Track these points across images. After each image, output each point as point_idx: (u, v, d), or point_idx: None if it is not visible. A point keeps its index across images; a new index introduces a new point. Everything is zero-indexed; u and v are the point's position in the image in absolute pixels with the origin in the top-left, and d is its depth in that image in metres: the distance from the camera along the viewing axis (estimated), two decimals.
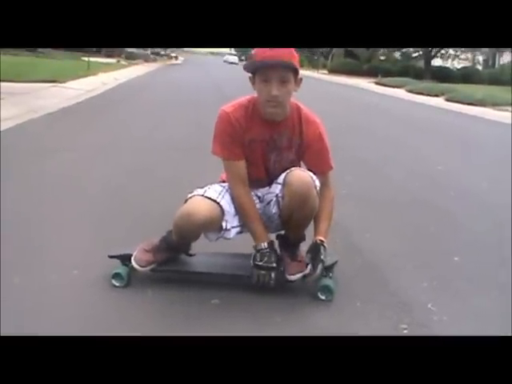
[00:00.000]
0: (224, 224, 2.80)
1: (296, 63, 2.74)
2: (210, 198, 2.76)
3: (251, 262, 2.80)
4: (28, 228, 3.62)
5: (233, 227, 2.86)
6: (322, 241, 2.84)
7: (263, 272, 2.78)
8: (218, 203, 2.77)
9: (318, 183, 2.78)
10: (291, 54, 2.71)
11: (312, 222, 2.90)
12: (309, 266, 2.79)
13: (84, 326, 2.42)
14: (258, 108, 2.82)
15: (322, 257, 2.78)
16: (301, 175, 2.75)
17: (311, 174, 2.79)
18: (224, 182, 2.99)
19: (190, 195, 2.83)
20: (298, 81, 2.77)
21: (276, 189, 2.86)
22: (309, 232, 2.94)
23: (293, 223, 2.86)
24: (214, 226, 2.78)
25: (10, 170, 5.04)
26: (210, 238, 2.87)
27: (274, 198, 2.86)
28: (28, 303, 2.61)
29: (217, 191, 2.85)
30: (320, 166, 2.92)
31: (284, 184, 2.78)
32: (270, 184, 2.93)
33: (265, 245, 2.81)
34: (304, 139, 2.87)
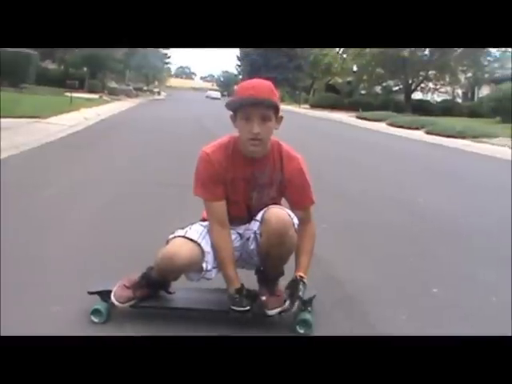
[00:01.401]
0: (204, 265, 2.81)
1: (277, 101, 2.77)
2: (190, 239, 2.78)
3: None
4: (7, 263, 3.59)
5: (214, 267, 2.87)
6: (301, 277, 2.84)
7: (238, 315, 2.78)
8: (199, 244, 2.79)
9: (296, 221, 2.79)
10: (272, 92, 2.74)
11: (292, 257, 2.91)
12: (287, 302, 2.80)
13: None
14: (239, 146, 2.84)
15: (299, 293, 2.78)
16: (278, 213, 2.76)
17: (289, 211, 2.80)
18: (205, 220, 3.00)
19: (171, 236, 2.85)
20: (278, 118, 2.80)
21: (254, 226, 2.88)
22: (288, 266, 2.95)
23: (271, 260, 2.87)
24: (194, 267, 2.80)
25: None
26: (191, 279, 2.89)
27: (252, 235, 2.88)
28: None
29: (198, 231, 2.86)
30: (302, 201, 2.95)
31: (262, 221, 2.80)
32: (250, 221, 2.94)
33: (233, 290, 2.80)
34: (285, 175, 2.88)
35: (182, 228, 2.89)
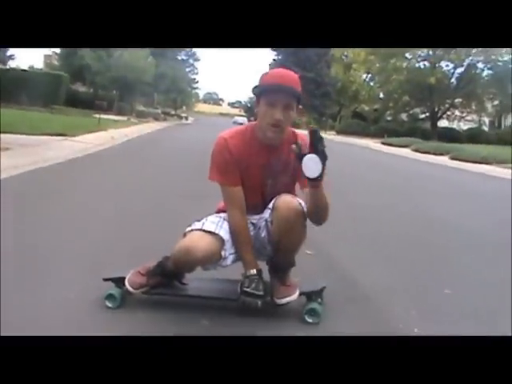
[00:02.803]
0: (223, 253, 2.86)
1: (300, 91, 2.83)
2: (208, 232, 2.82)
3: (239, 288, 2.86)
4: (35, 258, 3.72)
5: (230, 254, 2.91)
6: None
7: (249, 299, 2.81)
8: (217, 234, 2.83)
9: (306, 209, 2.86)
10: (296, 82, 2.82)
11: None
12: (297, 292, 2.90)
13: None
14: (256, 133, 2.90)
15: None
16: (288, 201, 2.80)
17: (300, 200, 2.84)
18: (220, 212, 3.06)
19: (188, 229, 2.89)
20: (298, 109, 2.86)
21: (266, 213, 2.93)
22: (298, 258, 3.03)
23: (281, 248, 2.91)
24: (213, 259, 2.85)
25: (20, 210, 5.21)
26: (207, 269, 2.93)
27: (264, 223, 2.93)
28: (25, 318, 2.69)
29: (214, 222, 2.90)
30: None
31: (272, 209, 2.86)
32: (264, 210, 2.98)
33: (254, 271, 2.86)
34: None
35: (199, 220, 2.94)
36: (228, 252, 2.89)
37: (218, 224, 2.90)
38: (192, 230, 2.86)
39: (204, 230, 2.83)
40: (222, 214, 3.00)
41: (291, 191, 2.98)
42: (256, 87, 2.87)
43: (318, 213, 2.78)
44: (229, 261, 2.93)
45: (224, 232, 2.87)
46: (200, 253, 2.75)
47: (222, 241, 2.84)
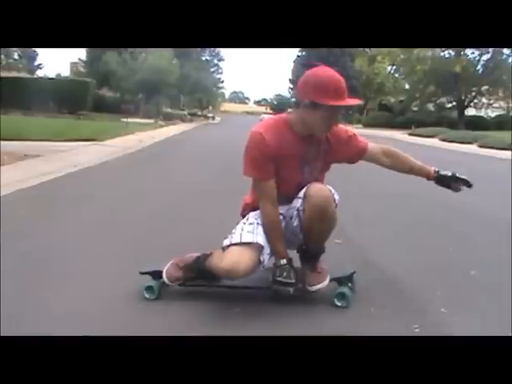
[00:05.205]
0: (261, 258, 2.92)
1: None
2: (247, 243, 2.88)
3: (271, 277, 2.96)
4: (72, 257, 3.89)
5: (267, 254, 2.98)
6: (436, 171, 3.46)
7: (282, 287, 2.92)
8: (256, 243, 2.89)
9: (337, 196, 2.97)
10: None
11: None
12: (328, 277, 3.02)
13: (112, 331, 2.55)
14: (290, 125, 2.99)
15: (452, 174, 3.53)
16: (320, 188, 2.92)
17: (330, 187, 2.96)
18: (247, 207, 3.17)
19: (226, 242, 2.94)
20: None
21: (297, 203, 3.01)
22: (328, 247, 3.14)
23: (313, 235, 3.02)
24: (255, 269, 2.90)
25: (55, 212, 5.46)
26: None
27: (295, 212, 3.02)
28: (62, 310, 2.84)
29: (250, 231, 2.95)
30: (359, 148, 3.18)
31: (304, 197, 2.95)
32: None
33: (284, 261, 2.94)
34: (331, 142, 3.07)
35: (234, 231, 2.99)
36: (265, 254, 2.95)
37: (253, 232, 2.95)
38: (231, 245, 2.91)
39: (243, 243, 2.89)
40: (253, 218, 3.06)
41: (323, 175, 3.15)
42: (335, 106, 2.87)
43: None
44: (266, 261, 2.98)
45: (261, 238, 2.93)
46: (242, 270, 2.82)
47: (260, 248, 2.91)
